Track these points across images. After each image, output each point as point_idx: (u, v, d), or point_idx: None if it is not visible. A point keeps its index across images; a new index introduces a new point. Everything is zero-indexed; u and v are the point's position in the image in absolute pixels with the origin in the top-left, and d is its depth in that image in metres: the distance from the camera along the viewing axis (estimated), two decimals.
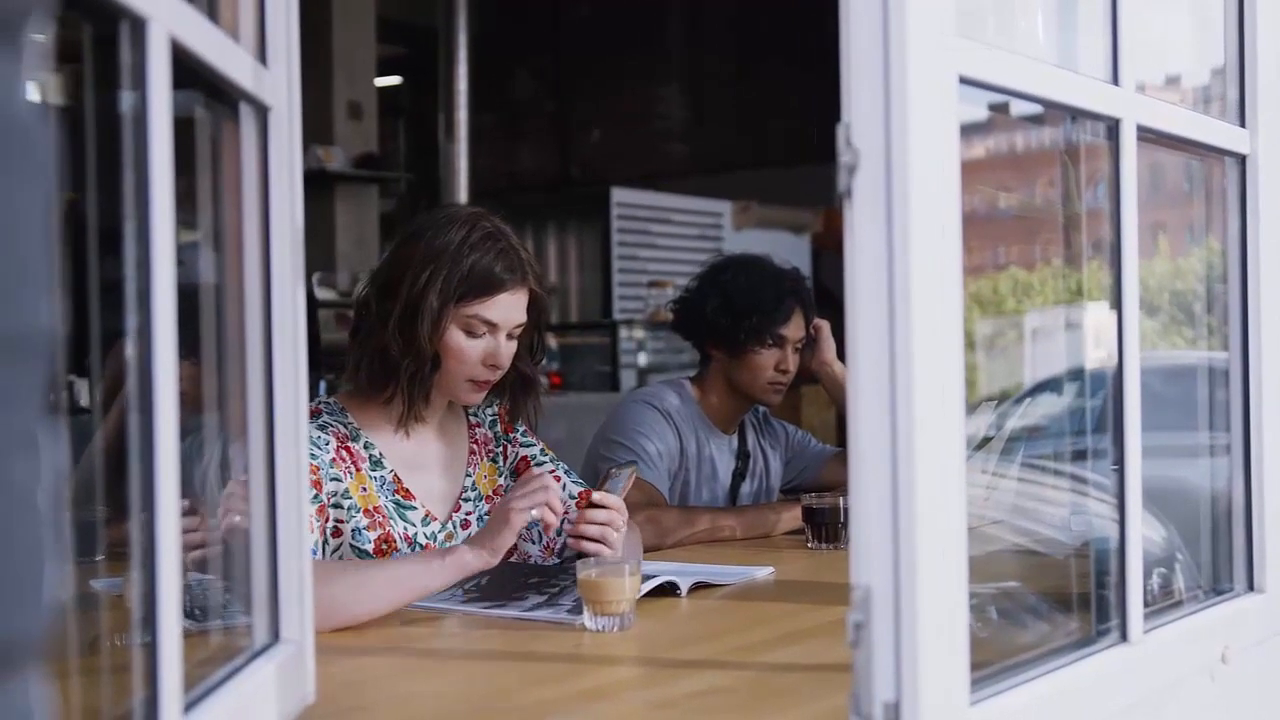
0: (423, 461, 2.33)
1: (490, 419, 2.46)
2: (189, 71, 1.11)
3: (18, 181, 0.54)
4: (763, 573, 2.39)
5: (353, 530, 2.18)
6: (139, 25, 0.99)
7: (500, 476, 2.43)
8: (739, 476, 3.15)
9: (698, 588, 2.22)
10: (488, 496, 2.39)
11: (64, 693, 0.91)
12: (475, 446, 2.42)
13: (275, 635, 1.36)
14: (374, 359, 2.24)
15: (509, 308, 2.25)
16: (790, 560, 2.59)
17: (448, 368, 2.25)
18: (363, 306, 2.28)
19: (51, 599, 0.56)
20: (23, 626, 0.54)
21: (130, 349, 1.00)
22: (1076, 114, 1.55)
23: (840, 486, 2.98)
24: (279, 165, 1.36)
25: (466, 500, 2.37)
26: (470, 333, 2.23)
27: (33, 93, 0.58)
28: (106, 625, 1.40)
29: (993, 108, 1.46)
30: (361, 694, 1.63)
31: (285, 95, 1.38)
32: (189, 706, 1.08)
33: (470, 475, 2.39)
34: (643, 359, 7.66)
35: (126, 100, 1.01)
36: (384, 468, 2.27)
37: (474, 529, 2.32)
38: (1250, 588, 1.82)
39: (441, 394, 2.30)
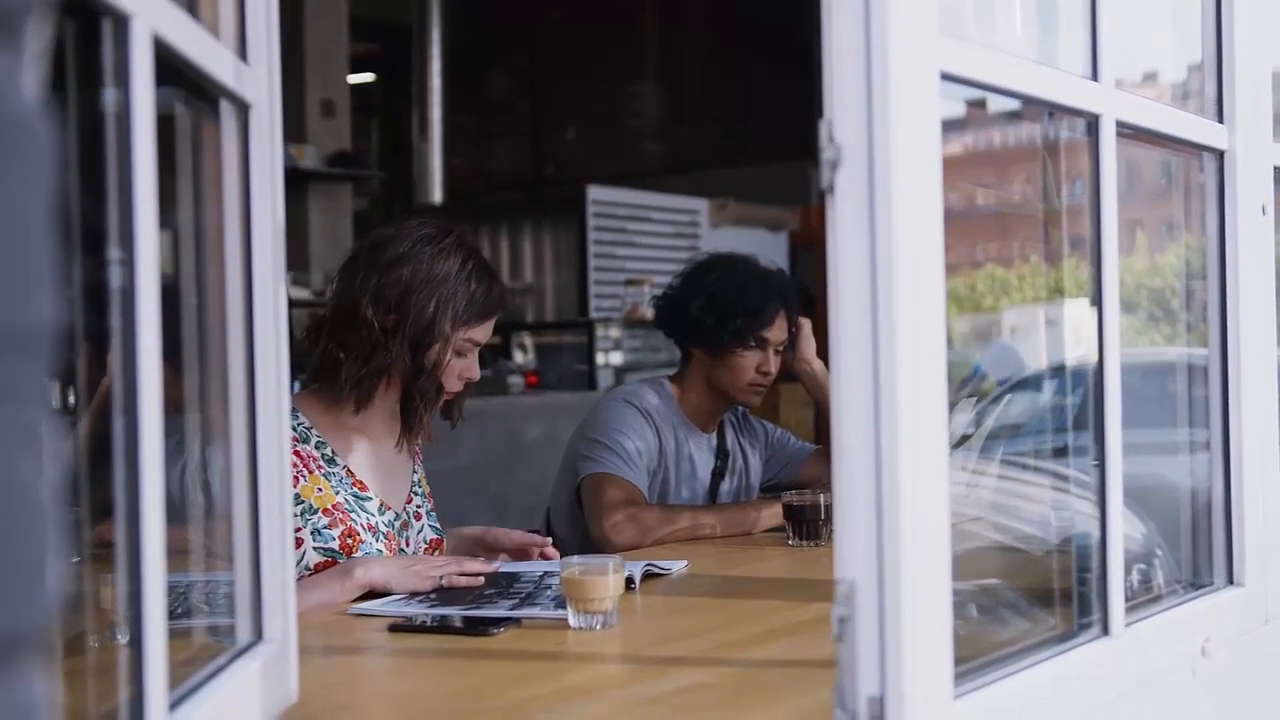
0: (375, 458, 2.39)
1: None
2: (168, 68, 1.10)
3: (22, 178, 0.55)
4: (678, 566, 2.40)
5: (313, 532, 2.20)
6: (122, 22, 0.98)
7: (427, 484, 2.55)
8: (718, 475, 3.15)
9: (647, 577, 2.25)
10: (428, 494, 2.51)
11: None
12: (417, 448, 2.51)
13: (259, 634, 1.36)
14: (374, 376, 2.28)
15: (491, 328, 2.37)
16: (771, 557, 2.60)
17: None
18: (350, 315, 2.27)
19: (54, 593, 0.56)
20: (27, 620, 0.54)
21: (113, 350, 1.00)
22: (1057, 109, 1.55)
23: (820, 484, 2.99)
24: (260, 163, 1.36)
25: (416, 494, 2.47)
26: (460, 353, 2.32)
27: (33, 90, 0.58)
28: (78, 624, 1.39)
29: (969, 103, 1.46)
30: (344, 693, 1.62)
31: (266, 93, 1.37)
32: (173, 705, 1.07)
33: (417, 472, 2.49)
34: (620, 358, 7.65)
35: (108, 97, 1.00)
36: (338, 464, 2.32)
37: (425, 520, 2.45)
38: (1230, 581, 1.82)
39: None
